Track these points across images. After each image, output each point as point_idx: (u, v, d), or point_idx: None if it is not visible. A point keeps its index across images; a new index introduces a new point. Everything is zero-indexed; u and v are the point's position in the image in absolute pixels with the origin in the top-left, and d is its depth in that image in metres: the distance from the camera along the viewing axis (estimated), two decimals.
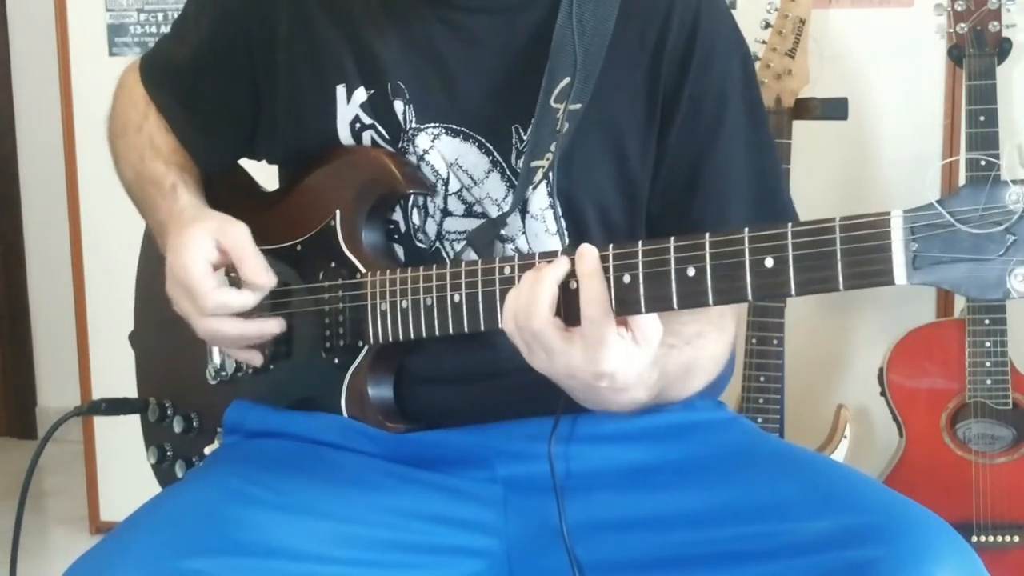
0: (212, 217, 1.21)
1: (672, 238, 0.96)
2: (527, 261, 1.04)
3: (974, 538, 2.16)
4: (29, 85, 3.58)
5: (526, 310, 0.98)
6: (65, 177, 2.75)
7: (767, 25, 2.16)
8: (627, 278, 0.97)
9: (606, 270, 0.98)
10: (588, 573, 1.10)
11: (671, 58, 1.17)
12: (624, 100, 1.18)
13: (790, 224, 0.91)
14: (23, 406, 3.72)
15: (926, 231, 0.85)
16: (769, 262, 0.91)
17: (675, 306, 0.96)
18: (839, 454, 2.24)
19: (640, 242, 0.97)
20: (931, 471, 2.20)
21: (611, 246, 0.99)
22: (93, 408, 1.41)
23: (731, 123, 1.19)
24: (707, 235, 0.94)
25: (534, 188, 1.15)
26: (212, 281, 1.16)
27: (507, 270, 1.06)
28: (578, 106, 1.14)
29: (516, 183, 1.17)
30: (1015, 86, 2.38)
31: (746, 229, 0.93)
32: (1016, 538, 2.17)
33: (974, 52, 2.12)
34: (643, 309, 0.97)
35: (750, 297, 0.93)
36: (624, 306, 0.97)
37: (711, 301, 0.94)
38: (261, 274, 1.16)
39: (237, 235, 1.17)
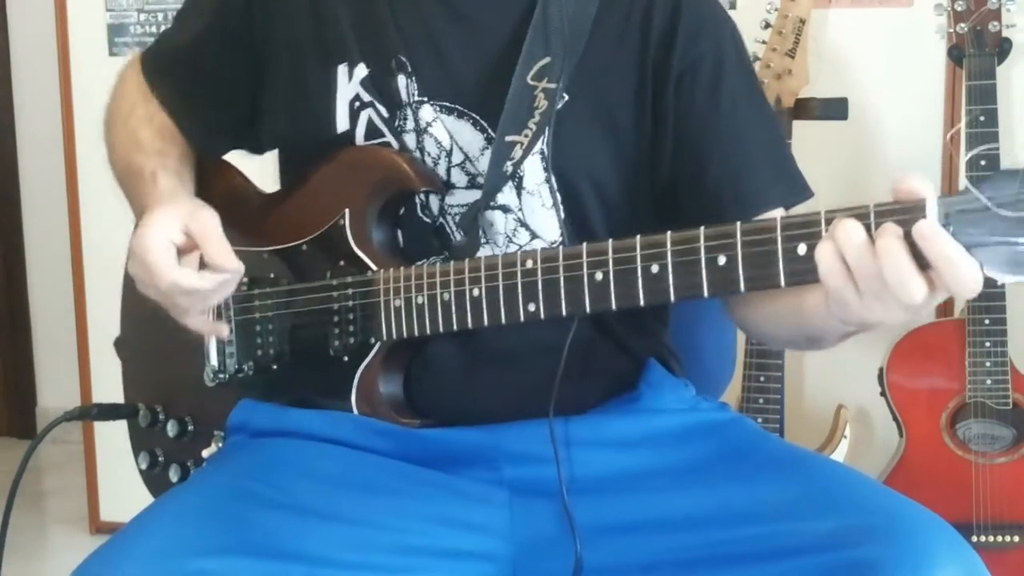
0: (185, 202, 1.20)
1: (702, 228, 0.98)
2: (550, 254, 1.06)
3: (974, 538, 2.16)
4: (29, 85, 3.58)
5: (898, 287, 0.90)
6: (65, 177, 2.75)
7: (767, 25, 2.16)
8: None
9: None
10: (594, 575, 1.10)
11: (658, 33, 1.19)
12: (612, 78, 1.19)
13: (823, 211, 0.92)
14: (23, 406, 3.72)
15: (960, 216, 0.86)
16: (802, 249, 0.93)
17: (782, 283, 0.96)
18: (839, 454, 2.24)
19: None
20: (931, 471, 2.20)
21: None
22: (84, 413, 1.40)
23: (732, 89, 1.20)
24: (737, 224, 0.97)
25: (515, 164, 1.16)
26: (171, 260, 1.13)
27: (529, 263, 1.07)
28: (556, 84, 1.16)
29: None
30: (1015, 86, 2.38)
31: (779, 218, 0.95)
32: (1016, 538, 2.17)
33: (974, 52, 2.12)
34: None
35: (783, 283, 0.95)
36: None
37: (742, 288, 0.97)
38: (225, 257, 1.14)
39: (205, 219, 1.15)
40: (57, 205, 2.88)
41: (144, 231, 1.14)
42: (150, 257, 1.13)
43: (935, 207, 0.87)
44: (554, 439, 1.13)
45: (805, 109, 2.19)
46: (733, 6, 2.44)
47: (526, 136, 1.15)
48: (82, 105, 2.68)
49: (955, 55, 2.15)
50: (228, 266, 1.14)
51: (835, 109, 2.21)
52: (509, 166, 1.16)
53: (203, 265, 1.15)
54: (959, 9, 2.12)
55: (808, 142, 2.24)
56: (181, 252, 1.14)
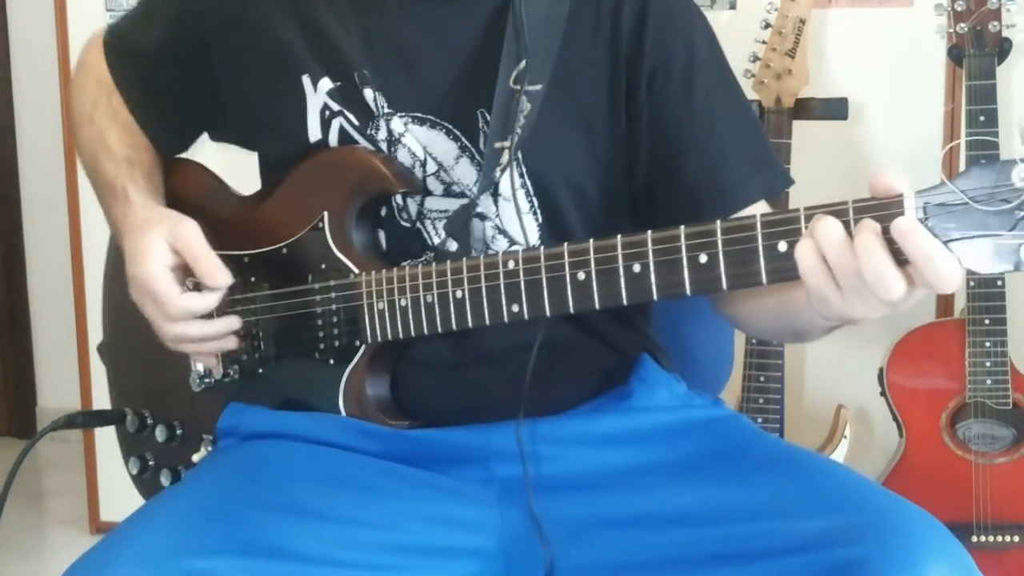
0: (162, 219, 1.22)
1: (682, 227, 0.98)
2: (532, 254, 1.05)
3: (974, 538, 2.16)
4: (29, 85, 3.58)
5: (876, 285, 0.90)
6: (65, 177, 2.75)
7: (767, 25, 2.16)
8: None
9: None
10: (584, 574, 1.10)
11: (628, 30, 1.19)
12: (587, 77, 1.19)
13: (802, 208, 0.92)
14: (23, 406, 3.72)
15: (938, 210, 0.86)
16: (782, 246, 0.93)
17: (764, 281, 0.96)
18: (839, 454, 2.24)
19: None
20: (931, 471, 2.20)
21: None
22: (71, 421, 1.40)
23: (705, 84, 1.20)
24: (718, 222, 0.96)
25: (502, 170, 1.16)
26: (176, 288, 1.18)
27: (511, 263, 1.06)
28: (538, 87, 1.16)
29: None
30: (1015, 86, 2.38)
31: (757, 215, 0.95)
32: (1016, 538, 2.17)
33: (974, 52, 2.12)
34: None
35: (764, 281, 0.95)
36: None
37: (725, 286, 0.96)
38: (217, 275, 1.18)
39: (188, 236, 1.19)
40: (57, 205, 2.88)
41: (140, 261, 1.18)
42: (156, 287, 1.18)
43: (913, 202, 0.88)
44: (520, 440, 1.13)
45: (805, 109, 2.19)
46: (733, 6, 2.44)
47: (511, 141, 1.15)
48: None
49: (955, 55, 2.15)
50: (220, 281, 1.18)
51: (835, 109, 2.21)
52: (498, 172, 1.16)
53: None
54: (959, 9, 2.12)
55: (808, 142, 2.24)
56: (173, 271, 1.19)
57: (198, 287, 1.20)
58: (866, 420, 2.47)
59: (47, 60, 2.87)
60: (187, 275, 1.20)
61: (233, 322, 1.23)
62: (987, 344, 2.15)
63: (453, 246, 1.17)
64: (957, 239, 0.86)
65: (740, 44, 1.36)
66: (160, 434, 1.35)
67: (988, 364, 2.16)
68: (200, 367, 1.28)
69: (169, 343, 1.23)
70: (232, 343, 1.24)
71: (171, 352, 1.25)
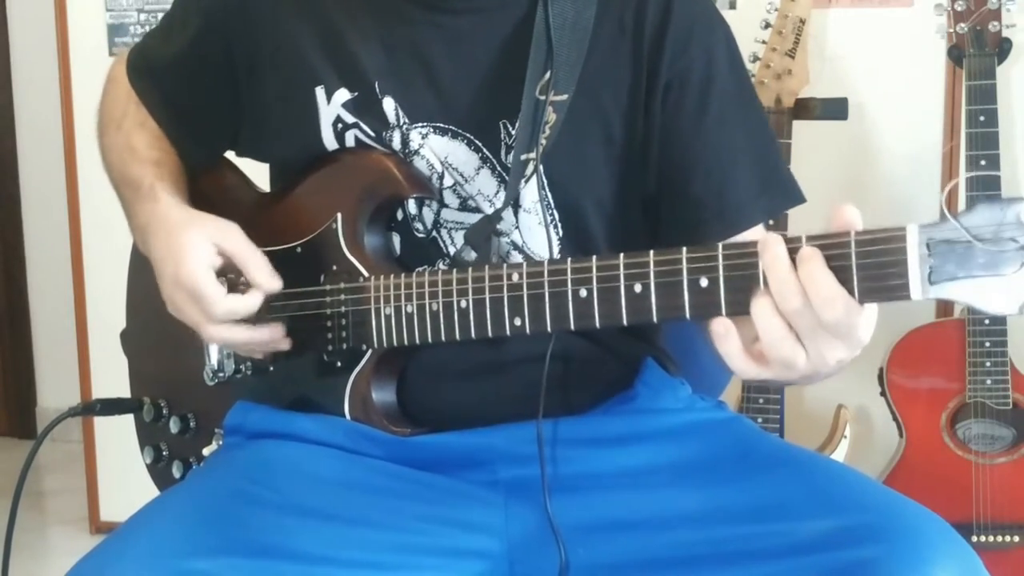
0: (203, 219, 1.20)
1: (684, 248, 0.96)
2: (536, 268, 1.05)
3: (974, 538, 2.16)
4: (29, 85, 3.58)
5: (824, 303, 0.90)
6: (65, 177, 2.75)
7: (767, 25, 2.16)
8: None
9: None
10: (590, 574, 1.10)
11: (650, 40, 1.18)
12: (609, 87, 1.18)
13: (804, 236, 0.91)
14: (23, 406, 3.72)
15: (942, 246, 0.85)
16: None
17: (687, 315, 0.96)
18: (839, 454, 2.24)
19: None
20: (931, 471, 2.20)
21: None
22: (88, 408, 1.40)
23: (720, 100, 1.19)
24: (719, 246, 0.95)
25: (526, 181, 1.15)
26: (220, 288, 1.16)
27: (515, 276, 1.06)
28: (564, 96, 1.15)
29: (507, 178, 1.18)
30: (1015, 86, 2.38)
31: (759, 243, 0.93)
32: (1016, 538, 2.17)
33: (974, 52, 2.12)
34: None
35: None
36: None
37: (724, 312, 0.94)
38: (270, 277, 1.17)
39: (236, 238, 1.17)
40: (57, 205, 2.88)
41: (181, 258, 1.15)
42: (201, 287, 1.14)
43: (916, 237, 0.85)
44: (540, 442, 1.13)
45: (805, 109, 2.19)
46: (733, 6, 2.44)
47: (536, 152, 1.14)
48: (82, 105, 2.67)
49: (955, 55, 2.15)
50: (273, 285, 1.17)
51: (835, 109, 2.21)
52: (522, 184, 1.15)
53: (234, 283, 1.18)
54: (959, 9, 2.12)
55: (808, 142, 2.24)
56: (218, 274, 1.17)
57: (235, 290, 1.18)
58: (866, 420, 2.47)
59: (47, 60, 2.88)
60: (226, 275, 1.19)
61: (278, 331, 1.20)
62: (987, 344, 2.16)
63: (470, 256, 1.16)
64: (960, 278, 0.84)
65: (740, 44, 1.35)
66: (174, 426, 1.35)
67: (988, 364, 2.16)
68: (214, 362, 1.28)
69: (214, 343, 1.23)
70: (285, 344, 1.22)
71: (188, 344, 1.25)
